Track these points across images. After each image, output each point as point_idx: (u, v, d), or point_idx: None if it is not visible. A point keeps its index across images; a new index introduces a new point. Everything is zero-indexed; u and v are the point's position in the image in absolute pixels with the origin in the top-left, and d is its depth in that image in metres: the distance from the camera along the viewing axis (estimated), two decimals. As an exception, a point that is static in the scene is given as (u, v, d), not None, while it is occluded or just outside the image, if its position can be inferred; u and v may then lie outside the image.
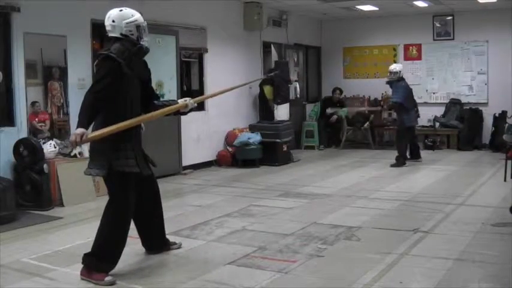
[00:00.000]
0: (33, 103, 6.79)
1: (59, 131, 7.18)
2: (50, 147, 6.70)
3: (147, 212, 4.50)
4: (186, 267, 4.39)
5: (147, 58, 4.44)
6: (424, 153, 11.08)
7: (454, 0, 10.78)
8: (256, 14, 10.55)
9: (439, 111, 12.15)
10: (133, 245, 4.83)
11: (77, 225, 5.81)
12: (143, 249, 4.68)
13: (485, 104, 11.89)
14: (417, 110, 9.99)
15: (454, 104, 12.11)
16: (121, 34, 4.13)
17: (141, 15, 4.29)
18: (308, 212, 6.32)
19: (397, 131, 9.93)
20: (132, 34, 4.15)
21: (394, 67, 9.67)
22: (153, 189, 4.55)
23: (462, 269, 4.23)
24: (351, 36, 13.19)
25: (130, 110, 4.15)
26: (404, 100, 9.39)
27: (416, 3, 11.18)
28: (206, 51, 9.85)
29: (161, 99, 5.10)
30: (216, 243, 5.05)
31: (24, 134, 6.64)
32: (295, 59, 12.71)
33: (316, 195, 7.23)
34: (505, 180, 7.29)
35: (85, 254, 4.14)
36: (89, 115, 3.96)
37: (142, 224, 4.55)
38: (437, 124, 12.03)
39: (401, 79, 9.50)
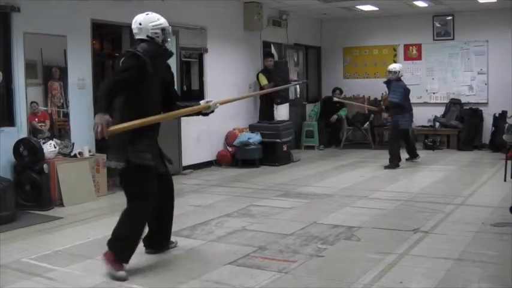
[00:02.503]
0: (31, 103, 6.79)
1: (59, 131, 7.19)
2: (50, 147, 6.70)
3: (158, 209, 4.49)
4: (186, 267, 4.39)
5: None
6: (424, 153, 11.10)
7: (454, 0, 10.78)
8: (256, 14, 10.55)
9: (439, 111, 12.15)
10: (133, 245, 4.84)
11: (77, 225, 5.81)
12: (143, 249, 4.67)
13: (485, 104, 11.89)
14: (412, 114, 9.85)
15: (454, 104, 12.11)
16: (147, 36, 4.30)
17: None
18: (308, 212, 6.32)
19: (391, 132, 9.72)
20: (158, 36, 4.32)
21: (393, 66, 9.54)
22: (167, 187, 4.57)
23: (462, 269, 4.23)
24: (351, 36, 13.19)
25: (150, 108, 4.25)
26: (401, 100, 9.22)
27: (416, 3, 11.18)
28: (206, 51, 9.85)
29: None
30: (216, 243, 5.05)
31: (24, 134, 6.64)
32: (295, 59, 12.71)
33: (316, 195, 7.23)
34: (505, 180, 7.30)
35: (109, 240, 4.23)
36: (109, 100, 4.02)
37: (150, 221, 4.54)
38: (437, 124, 12.04)
39: (400, 79, 9.35)
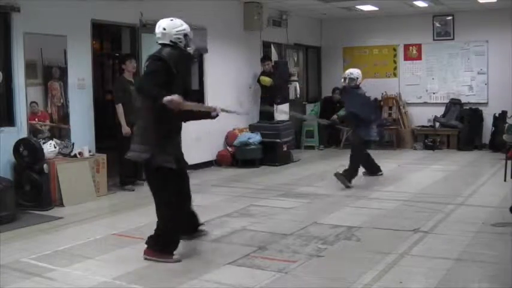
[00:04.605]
0: (31, 103, 6.79)
1: (59, 131, 7.18)
2: (50, 147, 6.70)
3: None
4: (186, 267, 4.39)
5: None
6: (424, 153, 11.13)
7: (454, 0, 10.78)
8: (256, 14, 10.54)
9: (439, 111, 12.14)
10: (133, 245, 4.85)
11: (77, 225, 5.81)
12: (141, 250, 4.68)
13: (485, 104, 11.88)
14: (383, 124, 9.06)
15: (454, 104, 12.11)
16: (170, 41, 4.45)
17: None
18: (308, 212, 6.32)
19: (353, 146, 8.19)
20: (181, 42, 4.49)
21: (351, 72, 8.15)
22: (185, 186, 4.88)
23: (462, 269, 4.23)
24: (351, 36, 13.18)
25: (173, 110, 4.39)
26: (360, 110, 7.94)
27: (416, 3, 11.18)
28: (206, 51, 9.84)
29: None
30: (216, 243, 5.05)
31: (24, 134, 6.63)
32: (295, 59, 12.71)
33: (316, 195, 7.23)
34: (505, 180, 7.27)
35: (150, 237, 4.57)
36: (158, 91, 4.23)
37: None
38: (437, 124, 12.03)
39: (359, 87, 8.16)
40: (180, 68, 4.44)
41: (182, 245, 4.86)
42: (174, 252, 4.52)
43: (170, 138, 4.51)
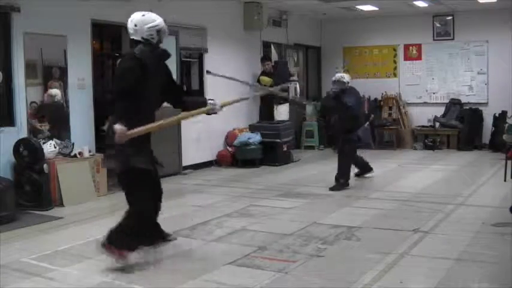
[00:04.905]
0: (31, 103, 6.79)
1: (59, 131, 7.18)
2: (50, 147, 6.70)
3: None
4: (186, 267, 4.39)
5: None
6: (424, 153, 11.13)
7: (454, 0, 10.78)
8: (256, 14, 10.55)
9: (439, 111, 12.14)
10: (133, 245, 4.83)
11: (77, 225, 5.81)
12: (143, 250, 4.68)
13: (485, 104, 11.89)
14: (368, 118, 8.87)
15: (454, 104, 12.11)
16: (142, 38, 4.26)
17: (143, 15, 4.33)
18: (308, 212, 6.32)
19: (343, 147, 7.78)
20: (153, 38, 4.29)
21: (341, 76, 7.92)
22: (158, 190, 4.63)
23: (462, 269, 4.23)
24: (351, 36, 13.18)
25: (149, 110, 4.31)
26: (357, 107, 7.88)
27: (416, 3, 11.18)
28: (206, 51, 9.85)
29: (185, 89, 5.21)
30: (215, 243, 5.05)
31: (24, 134, 6.64)
32: (295, 59, 12.70)
33: (316, 195, 7.23)
34: (505, 180, 7.28)
35: (111, 231, 4.33)
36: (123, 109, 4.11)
37: None
38: (437, 124, 12.04)
39: (352, 87, 7.96)
40: (154, 66, 4.25)
41: (180, 246, 4.87)
42: (135, 251, 4.34)
43: (144, 142, 4.32)
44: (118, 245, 4.24)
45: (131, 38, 4.32)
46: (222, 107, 4.62)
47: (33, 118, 6.84)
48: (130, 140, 4.08)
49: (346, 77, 7.87)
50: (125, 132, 3.98)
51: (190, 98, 4.87)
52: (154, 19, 4.31)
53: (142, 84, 4.15)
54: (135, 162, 4.20)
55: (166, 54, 4.44)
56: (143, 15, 4.31)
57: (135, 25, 4.27)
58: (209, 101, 4.61)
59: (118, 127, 3.97)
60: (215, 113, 4.63)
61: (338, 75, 7.98)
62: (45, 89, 7.01)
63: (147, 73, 4.16)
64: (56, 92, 7.05)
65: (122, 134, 3.98)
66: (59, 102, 7.13)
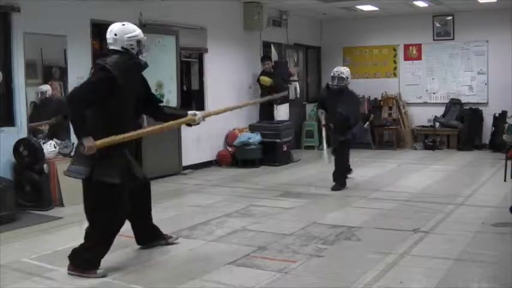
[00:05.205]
0: (31, 103, 6.79)
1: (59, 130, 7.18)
2: (50, 147, 6.70)
3: (135, 201, 4.49)
4: (186, 267, 4.39)
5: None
6: (424, 153, 11.13)
7: (454, 0, 10.78)
8: (256, 14, 10.55)
9: (439, 111, 12.14)
10: (133, 245, 4.84)
11: (77, 225, 5.78)
12: (143, 249, 4.68)
13: (485, 104, 11.89)
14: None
15: (454, 104, 12.11)
16: (122, 47, 4.22)
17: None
18: (308, 212, 6.32)
19: (342, 147, 7.60)
20: (133, 48, 4.25)
21: (342, 70, 7.55)
22: (143, 190, 4.59)
23: (462, 269, 4.23)
24: (351, 36, 13.18)
25: (123, 121, 4.20)
26: (352, 115, 7.44)
27: (416, 3, 11.18)
28: (206, 51, 9.85)
29: (163, 103, 5.15)
30: (216, 243, 5.05)
31: (24, 134, 6.64)
32: (295, 59, 12.70)
33: (316, 195, 7.23)
34: (505, 180, 7.28)
35: (73, 250, 4.23)
36: (83, 120, 4.00)
37: (133, 221, 4.61)
38: (437, 124, 12.04)
39: (349, 91, 7.65)
40: (130, 78, 4.17)
41: (180, 246, 4.88)
42: (99, 267, 4.19)
43: (116, 148, 4.12)
44: (85, 267, 4.14)
45: (110, 48, 4.24)
46: (204, 117, 4.63)
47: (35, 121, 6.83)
48: (99, 152, 4.00)
49: (345, 72, 7.49)
50: (93, 145, 3.92)
51: (171, 110, 4.88)
52: (134, 29, 4.29)
53: (112, 96, 4.04)
54: (99, 175, 4.05)
55: (142, 66, 4.34)
56: (123, 24, 4.28)
57: (115, 34, 4.22)
58: (190, 113, 4.61)
59: (85, 140, 3.91)
60: (197, 123, 4.61)
61: (337, 70, 7.58)
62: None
63: (117, 85, 4.03)
64: (46, 87, 7.01)
65: (90, 148, 3.91)
66: (52, 97, 7.09)
